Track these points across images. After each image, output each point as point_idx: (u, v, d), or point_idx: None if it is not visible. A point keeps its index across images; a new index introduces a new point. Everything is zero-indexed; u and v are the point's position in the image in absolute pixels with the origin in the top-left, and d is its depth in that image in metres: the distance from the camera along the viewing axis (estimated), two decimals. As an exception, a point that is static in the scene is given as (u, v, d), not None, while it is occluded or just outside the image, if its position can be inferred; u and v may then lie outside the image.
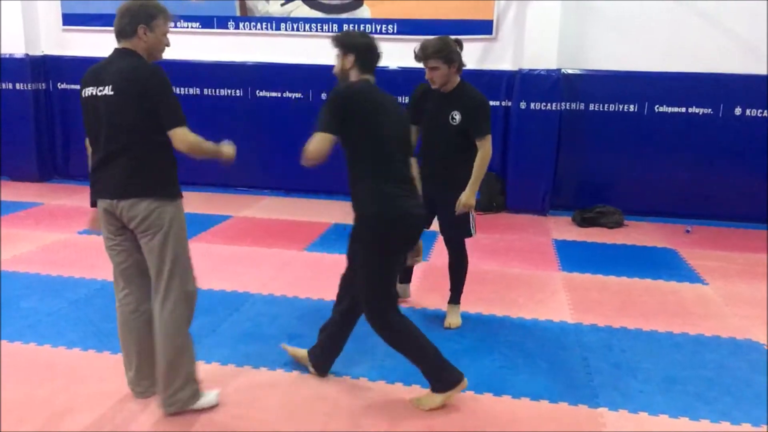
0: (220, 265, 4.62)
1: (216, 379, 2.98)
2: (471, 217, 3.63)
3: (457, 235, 3.67)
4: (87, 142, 2.63)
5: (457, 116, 3.42)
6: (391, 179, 2.71)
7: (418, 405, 2.80)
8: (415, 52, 3.37)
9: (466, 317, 3.79)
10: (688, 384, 3.05)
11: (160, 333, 2.61)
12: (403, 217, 2.70)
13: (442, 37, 3.43)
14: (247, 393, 2.88)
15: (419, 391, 2.93)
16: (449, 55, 3.34)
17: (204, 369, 3.06)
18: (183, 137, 2.50)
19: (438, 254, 5.02)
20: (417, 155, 3.03)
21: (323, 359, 3.04)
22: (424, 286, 4.31)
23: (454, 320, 3.68)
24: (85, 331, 3.43)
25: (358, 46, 2.74)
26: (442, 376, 2.79)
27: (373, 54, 2.77)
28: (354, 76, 2.74)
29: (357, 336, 3.46)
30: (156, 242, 2.54)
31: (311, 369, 3.05)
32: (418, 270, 4.62)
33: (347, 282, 2.99)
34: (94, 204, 2.64)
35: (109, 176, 2.51)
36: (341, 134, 2.64)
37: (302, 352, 3.10)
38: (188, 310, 2.69)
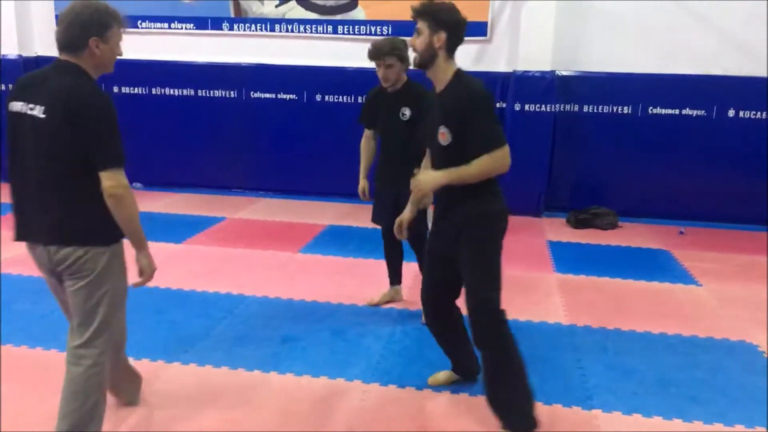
0: (215, 267, 4.60)
1: (209, 381, 2.97)
2: (427, 215, 3.33)
3: (410, 236, 3.14)
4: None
5: (407, 112, 3.50)
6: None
7: None
8: (369, 50, 3.43)
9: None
10: (682, 386, 3.05)
11: (68, 390, 2.26)
12: (507, 211, 2.61)
13: (392, 37, 3.52)
14: (240, 395, 2.87)
15: (413, 393, 2.92)
16: (403, 52, 3.39)
17: (197, 372, 3.05)
18: (115, 182, 2.08)
19: (433, 256, 5.02)
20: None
21: (469, 366, 2.95)
22: (417, 286, 4.28)
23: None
24: (77, 333, 3.40)
25: (452, 24, 2.45)
26: (528, 412, 2.53)
27: (463, 34, 2.51)
28: (441, 58, 2.46)
29: (350, 338, 3.48)
30: (84, 291, 2.20)
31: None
32: (411, 271, 4.61)
33: (438, 290, 2.79)
34: (20, 239, 2.26)
35: (41, 217, 2.16)
36: (460, 135, 2.43)
37: (446, 375, 2.99)
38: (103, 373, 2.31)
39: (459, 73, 2.49)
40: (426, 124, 2.65)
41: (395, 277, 4.02)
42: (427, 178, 2.52)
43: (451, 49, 2.47)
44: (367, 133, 3.85)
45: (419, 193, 2.60)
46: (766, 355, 3.40)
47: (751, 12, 5.90)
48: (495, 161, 2.40)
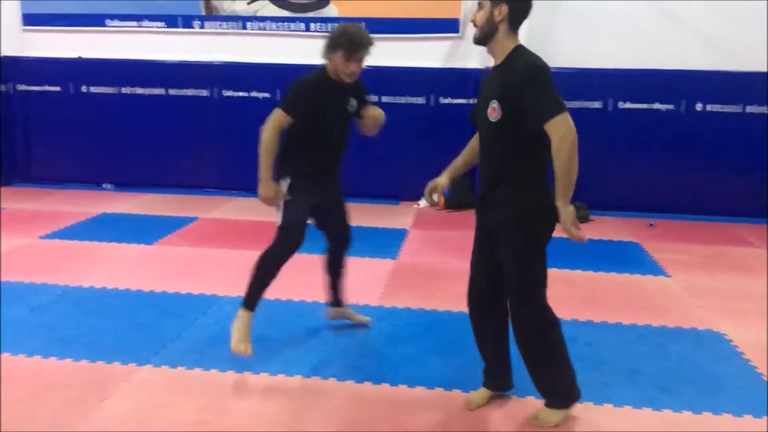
0: (187, 267, 4.56)
1: (182, 383, 2.95)
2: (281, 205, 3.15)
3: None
4: None
5: (354, 103, 3.22)
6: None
7: (540, 423, 2.63)
8: (355, 42, 2.93)
9: (436, 315, 3.81)
10: (651, 375, 3.10)
11: None
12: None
13: (358, 26, 3.09)
14: (214, 396, 2.85)
15: (388, 390, 2.93)
16: None
17: (169, 374, 3.02)
18: None
19: (407, 252, 5.04)
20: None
21: (504, 376, 2.84)
22: (394, 285, 4.31)
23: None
24: (46, 338, 3.35)
25: None
26: (571, 392, 2.62)
27: (529, 7, 2.39)
28: (503, 34, 2.35)
29: (326, 337, 3.48)
30: None
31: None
32: (387, 268, 4.64)
33: (482, 283, 2.67)
34: None
35: None
36: (514, 111, 2.32)
37: (482, 393, 2.83)
38: None
39: (518, 48, 2.38)
40: (477, 104, 2.56)
41: (335, 299, 3.62)
42: (567, 217, 2.34)
43: (513, 23, 2.36)
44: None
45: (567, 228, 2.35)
46: (733, 344, 3.47)
47: (718, 6, 6.00)
48: (564, 135, 2.26)
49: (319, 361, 3.17)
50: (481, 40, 2.42)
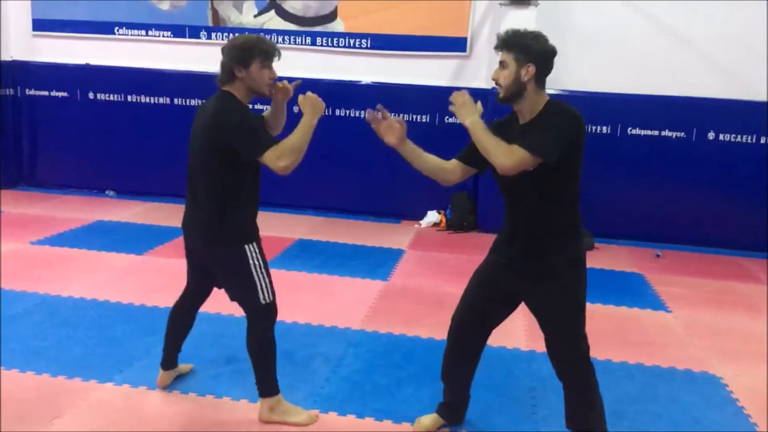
0: (172, 281, 4.41)
1: (138, 405, 2.84)
2: (256, 278, 2.62)
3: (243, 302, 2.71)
4: None
5: None
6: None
7: None
8: (268, 44, 2.62)
9: (418, 342, 3.67)
10: (635, 419, 2.93)
11: None
12: None
13: None
14: (168, 421, 2.73)
15: (352, 421, 2.79)
16: None
17: (127, 393, 2.92)
18: None
19: (399, 274, 4.91)
20: None
21: (460, 408, 2.79)
22: (379, 308, 4.17)
23: None
24: (13, 349, 3.27)
25: (542, 55, 2.26)
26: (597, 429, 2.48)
27: (552, 64, 2.31)
28: (531, 92, 2.26)
29: (298, 360, 3.36)
30: None
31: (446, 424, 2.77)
32: (376, 289, 4.51)
33: (474, 319, 2.61)
34: None
35: None
36: (563, 172, 2.25)
37: (432, 419, 2.76)
38: None
39: (551, 103, 2.31)
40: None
41: (169, 361, 3.02)
42: (468, 112, 2.34)
43: (541, 79, 2.27)
44: None
45: (455, 109, 2.38)
46: (728, 388, 3.28)
47: (732, 33, 5.83)
48: (506, 152, 2.20)
49: (288, 386, 3.02)
50: (507, 99, 2.31)
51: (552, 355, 2.49)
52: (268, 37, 6.60)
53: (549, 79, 2.32)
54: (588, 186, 6.13)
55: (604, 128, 6.16)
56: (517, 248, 2.41)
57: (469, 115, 2.35)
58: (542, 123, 2.26)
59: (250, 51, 2.54)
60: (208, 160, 2.54)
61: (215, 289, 2.85)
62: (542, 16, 5.95)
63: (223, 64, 2.57)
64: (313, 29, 6.53)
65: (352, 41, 6.46)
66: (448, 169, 2.56)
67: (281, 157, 2.45)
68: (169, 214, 6.28)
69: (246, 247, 2.59)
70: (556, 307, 2.40)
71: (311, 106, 2.58)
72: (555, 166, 2.20)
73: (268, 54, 2.57)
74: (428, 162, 2.57)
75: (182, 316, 2.93)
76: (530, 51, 2.25)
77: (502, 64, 2.29)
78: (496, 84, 2.32)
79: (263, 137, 2.52)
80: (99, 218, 6.03)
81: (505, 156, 2.22)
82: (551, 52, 2.30)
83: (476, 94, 6.93)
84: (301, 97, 2.60)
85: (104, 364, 3.17)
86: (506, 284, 2.49)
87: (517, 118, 2.37)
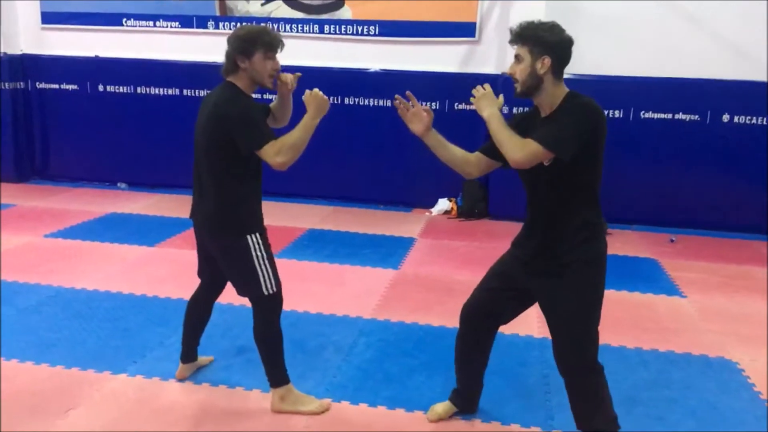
0: (184, 271, 4.44)
1: (152, 395, 2.85)
2: (259, 269, 2.61)
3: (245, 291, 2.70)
4: None
5: None
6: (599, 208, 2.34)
7: None
8: (272, 35, 2.58)
9: (429, 331, 3.65)
10: (649, 405, 2.91)
11: None
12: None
13: None
14: (182, 411, 2.74)
15: (365, 410, 2.79)
16: None
17: (141, 384, 2.93)
18: None
19: (411, 262, 4.89)
20: None
21: (474, 397, 2.78)
22: (391, 296, 4.16)
23: None
24: (27, 341, 3.30)
25: (558, 45, 2.20)
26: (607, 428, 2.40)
27: (570, 53, 2.24)
28: (549, 84, 2.20)
29: (310, 350, 3.36)
30: None
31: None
32: (387, 278, 4.49)
33: (487, 312, 2.58)
34: None
35: None
36: (587, 166, 2.22)
37: (445, 406, 2.76)
38: None
39: (571, 94, 2.25)
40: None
41: (189, 354, 3.03)
42: (486, 104, 2.31)
43: (558, 71, 2.21)
44: None
45: (475, 101, 2.35)
46: (744, 374, 3.24)
47: (746, 13, 5.72)
48: (518, 146, 2.17)
49: (300, 376, 3.03)
50: (525, 93, 2.26)
51: (556, 359, 2.41)
52: (275, 25, 6.65)
53: None
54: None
55: (617, 112, 6.08)
56: (533, 244, 2.37)
57: (487, 107, 2.32)
58: (561, 116, 2.21)
59: (252, 42, 2.52)
60: (211, 151, 2.53)
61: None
62: (552, 1, 5.88)
63: (227, 55, 2.56)
64: (320, 17, 6.49)
65: (360, 28, 6.42)
66: (472, 162, 2.52)
67: (279, 153, 2.45)
68: (180, 206, 6.28)
69: (248, 237, 2.57)
70: (564, 308, 2.33)
71: (316, 106, 2.56)
72: (571, 162, 2.16)
73: (272, 45, 2.55)
74: (453, 153, 2.52)
75: (199, 309, 2.93)
76: (545, 43, 2.19)
77: (517, 58, 2.24)
78: (513, 78, 2.27)
79: (263, 131, 2.50)
80: (111, 210, 6.05)
81: (518, 149, 2.19)
82: (567, 42, 2.22)
83: (486, 79, 6.84)
84: (307, 94, 2.57)
85: (117, 355, 3.19)
86: (520, 280, 2.44)
87: (539, 111, 2.33)
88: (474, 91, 2.39)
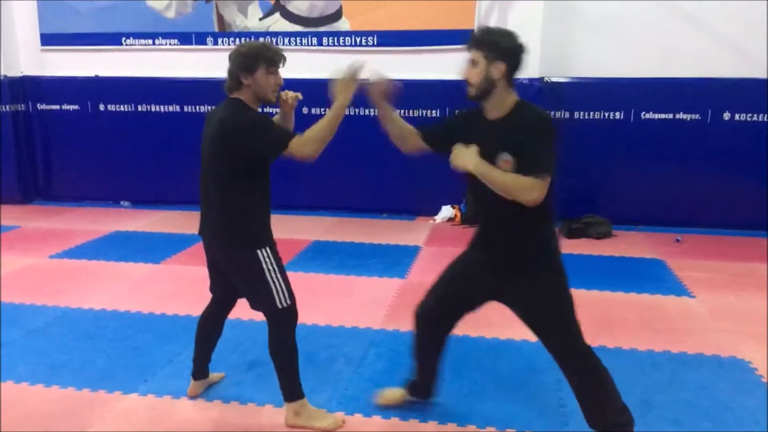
0: (190, 287, 4.47)
1: (165, 414, 2.84)
2: (271, 283, 2.60)
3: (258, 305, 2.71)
4: None
5: None
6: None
7: None
8: (272, 50, 2.58)
9: (438, 339, 3.63)
10: (665, 408, 2.89)
11: None
12: None
13: None
14: (199, 426, 2.73)
15: (379, 422, 2.78)
16: None
17: (153, 404, 2.92)
18: None
19: (417, 271, 4.88)
20: None
21: (429, 388, 2.88)
22: (399, 306, 4.15)
23: None
24: (37, 363, 3.29)
25: (511, 52, 2.26)
26: (625, 420, 2.46)
27: (522, 60, 2.31)
28: (501, 89, 2.28)
29: (320, 362, 3.34)
30: None
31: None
32: (395, 287, 4.48)
33: (446, 311, 2.69)
34: None
35: None
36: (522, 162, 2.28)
37: (398, 393, 2.87)
38: None
39: (521, 102, 2.33)
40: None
41: (201, 369, 3.02)
42: (469, 157, 2.27)
43: (511, 77, 2.29)
44: None
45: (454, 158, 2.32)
46: (757, 373, 3.22)
47: (744, 11, 5.73)
48: (527, 187, 2.20)
49: (311, 389, 3.00)
50: (478, 96, 2.33)
51: (550, 352, 2.51)
52: (274, 39, 6.66)
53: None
54: (603, 173, 6.17)
55: (617, 114, 6.09)
56: (487, 248, 2.45)
57: (471, 161, 2.28)
58: (520, 127, 2.26)
59: (254, 58, 2.53)
60: (219, 167, 2.53)
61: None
62: (550, 3, 5.90)
63: (230, 72, 2.57)
64: (318, 29, 6.51)
65: (358, 39, 6.44)
66: (413, 136, 2.60)
67: (306, 144, 2.44)
68: (184, 222, 6.30)
69: (258, 252, 2.57)
70: (537, 312, 2.44)
71: (347, 95, 2.52)
72: (521, 168, 2.23)
73: (273, 60, 2.56)
74: (401, 126, 2.61)
75: (210, 325, 2.93)
76: (500, 48, 2.25)
77: (473, 62, 2.29)
78: (467, 83, 2.32)
79: (281, 132, 2.53)
80: (115, 229, 6.06)
81: (527, 191, 2.22)
82: (520, 49, 2.29)
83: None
84: (339, 82, 2.53)
85: (127, 374, 3.18)
86: (479, 282, 2.51)
87: (483, 112, 2.38)
88: (453, 155, 2.32)
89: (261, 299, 2.63)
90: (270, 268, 2.59)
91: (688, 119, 5.98)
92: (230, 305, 2.91)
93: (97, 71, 7.00)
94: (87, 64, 7.03)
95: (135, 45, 6.89)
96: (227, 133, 2.46)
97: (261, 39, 2.70)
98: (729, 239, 5.73)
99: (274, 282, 2.59)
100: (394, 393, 2.87)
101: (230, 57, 2.58)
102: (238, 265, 2.62)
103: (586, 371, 2.46)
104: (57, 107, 7.17)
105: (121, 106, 7.02)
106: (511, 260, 2.40)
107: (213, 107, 2.70)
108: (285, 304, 2.63)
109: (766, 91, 5.76)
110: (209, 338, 2.94)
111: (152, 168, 7.04)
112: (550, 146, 2.24)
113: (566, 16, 6.00)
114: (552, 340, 2.47)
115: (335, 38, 6.48)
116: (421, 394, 2.86)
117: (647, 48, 5.98)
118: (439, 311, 2.65)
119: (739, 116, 5.88)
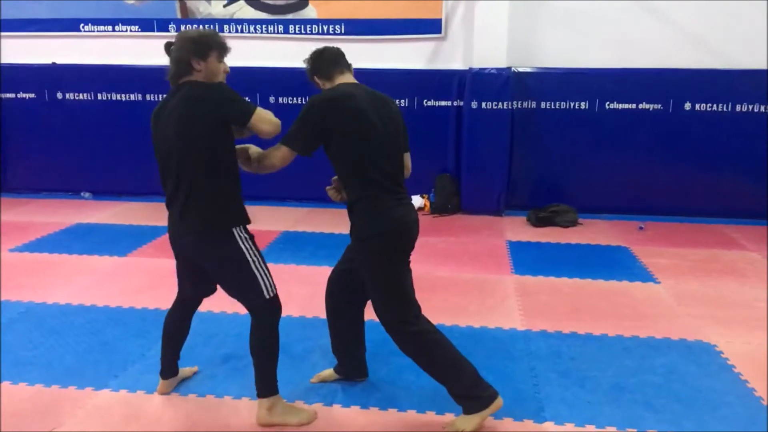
0: (158, 280, 4.38)
1: (139, 410, 2.78)
2: (257, 272, 2.61)
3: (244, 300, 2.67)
4: None
5: None
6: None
7: (453, 429, 2.61)
8: (220, 38, 2.59)
9: (413, 328, 3.64)
10: (636, 392, 2.96)
11: None
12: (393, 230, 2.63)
13: None
14: (172, 424, 2.68)
15: (357, 413, 2.78)
16: None
17: (126, 399, 2.86)
18: None
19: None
20: None
21: (349, 369, 3.05)
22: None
23: None
24: (3, 361, 3.18)
25: (313, 68, 2.84)
26: (475, 393, 2.60)
27: (320, 63, 2.80)
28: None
29: (296, 354, 3.32)
30: None
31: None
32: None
33: (342, 284, 2.95)
34: None
35: None
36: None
37: (329, 373, 3.07)
38: None
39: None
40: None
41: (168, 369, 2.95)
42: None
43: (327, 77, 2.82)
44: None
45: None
46: (723, 356, 3.32)
47: (705, 5, 5.87)
48: (267, 154, 2.60)
49: (288, 381, 2.98)
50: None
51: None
52: (239, 26, 6.53)
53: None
54: (569, 162, 6.26)
55: (582, 104, 6.17)
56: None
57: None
58: None
59: (207, 44, 2.50)
60: (199, 147, 2.44)
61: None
62: (516, -6, 5.93)
63: (178, 58, 2.48)
64: (285, 17, 6.42)
65: (325, 27, 6.38)
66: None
67: (264, 121, 2.52)
68: (149, 214, 6.17)
69: (234, 231, 2.54)
70: (366, 275, 2.66)
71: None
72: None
73: (224, 47, 2.57)
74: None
75: (177, 323, 2.86)
76: (309, 71, 2.83)
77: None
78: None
79: (248, 102, 2.53)
80: (77, 221, 5.89)
81: (267, 158, 2.65)
82: (317, 57, 2.87)
83: (453, 75, 6.92)
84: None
85: (98, 370, 3.10)
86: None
87: None
88: None
89: (248, 291, 2.58)
90: (253, 258, 2.55)
91: (651, 109, 6.11)
92: (198, 303, 2.86)
93: (55, 59, 6.77)
94: (44, 51, 6.79)
95: (94, 31, 6.68)
96: (200, 102, 2.41)
97: (200, 27, 2.77)
98: (691, 226, 5.89)
99: (259, 272, 2.56)
100: (326, 373, 3.07)
101: (176, 44, 2.51)
102: (222, 260, 2.53)
103: (405, 335, 2.65)
104: (12, 95, 6.91)
105: (81, 95, 6.81)
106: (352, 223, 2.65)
107: (161, 101, 2.62)
108: (271, 293, 2.61)
109: (725, 82, 5.92)
110: (177, 336, 2.87)
111: (114, 158, 6.86)
112: (299, 119, 2.58)
113: (533, 7, 6.05)
114: (371, 299, 2.71)
115: (302, 26, 6.41)
116: (344, 374, 3.04)
117: (611, 40, 6.08)
118: (338, 282, 2.93)
119: (700, 106, 6.02)
